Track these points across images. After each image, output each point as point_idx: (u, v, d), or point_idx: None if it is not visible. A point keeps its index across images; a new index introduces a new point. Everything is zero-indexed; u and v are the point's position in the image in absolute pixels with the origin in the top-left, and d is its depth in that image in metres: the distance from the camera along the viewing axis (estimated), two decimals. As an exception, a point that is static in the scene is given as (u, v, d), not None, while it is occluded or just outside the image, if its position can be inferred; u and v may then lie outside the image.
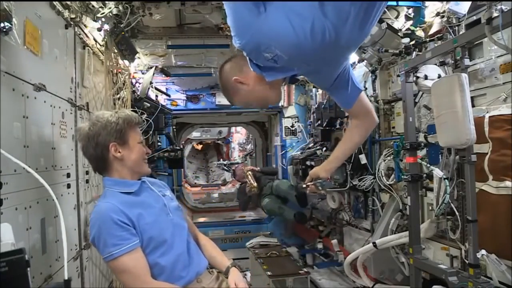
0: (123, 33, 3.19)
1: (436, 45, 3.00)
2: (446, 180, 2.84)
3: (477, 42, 2.64)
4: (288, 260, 4.73)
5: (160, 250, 1.73)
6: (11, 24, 1.65)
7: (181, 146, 7.68)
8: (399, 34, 3.34)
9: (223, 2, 1.43)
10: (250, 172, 6.30)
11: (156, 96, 5.65)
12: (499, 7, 2.13)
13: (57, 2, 2.38)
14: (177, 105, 6.34)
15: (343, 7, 1.29)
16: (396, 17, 3.48)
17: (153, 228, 1.72)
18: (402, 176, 3.34)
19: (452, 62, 2.57)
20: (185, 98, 6.44)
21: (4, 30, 1.62)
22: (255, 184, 6.11)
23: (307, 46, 1.31)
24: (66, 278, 1.35)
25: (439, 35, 3.06)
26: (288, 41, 1.31)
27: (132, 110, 3.91)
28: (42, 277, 1.96)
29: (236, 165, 8.89)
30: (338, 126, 4.77)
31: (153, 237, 1.71)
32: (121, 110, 1.95)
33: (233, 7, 1.37)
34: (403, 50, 3.35)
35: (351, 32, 1.35)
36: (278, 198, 5.92)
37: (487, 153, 2.55)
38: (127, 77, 3.96)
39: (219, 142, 11.62)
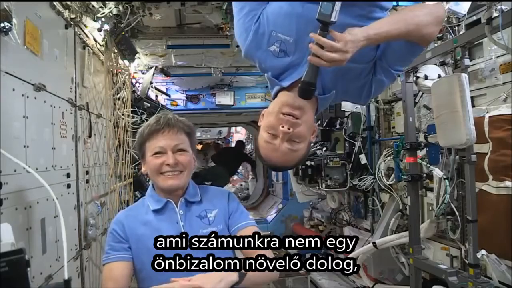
0: (123, 33, 3.19)
1: (436, 45, 3.00)
2: (446, 180, 2.84)
3: (477, 42, 2.65)
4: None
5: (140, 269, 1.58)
6: (11, 24, 1.64)
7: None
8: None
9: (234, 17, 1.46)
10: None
11: (156, 96, 5.65)
12: (499, 7, 2.13)
13: (57, 2, 2.38)
14: (177, 105, 6.34)
15: None
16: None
17: (148, 254, 1.53)
18: (402, 176, 3.35)
19: (452, 62, 2.57)
20: (185, 98, 6.44)
21: (4, 30, 1.61)
22: None
23: (302, 13, 1.33)
24: (66, 278, 1.35)
25: (439, 35, 3.05)
26: (283, 13, 1.35)
27: (132, 110, 3.95)
28: (42, 277, 1.95)
29: None
30: (338, 126, 4.77)
31: (144, 261, 1.54)
32: (163, 113, 1.67)
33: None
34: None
35: None
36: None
37: (487, 153, 2.55)
38: (127, 77, 3.96)
39: (219, 142, 11.62)
